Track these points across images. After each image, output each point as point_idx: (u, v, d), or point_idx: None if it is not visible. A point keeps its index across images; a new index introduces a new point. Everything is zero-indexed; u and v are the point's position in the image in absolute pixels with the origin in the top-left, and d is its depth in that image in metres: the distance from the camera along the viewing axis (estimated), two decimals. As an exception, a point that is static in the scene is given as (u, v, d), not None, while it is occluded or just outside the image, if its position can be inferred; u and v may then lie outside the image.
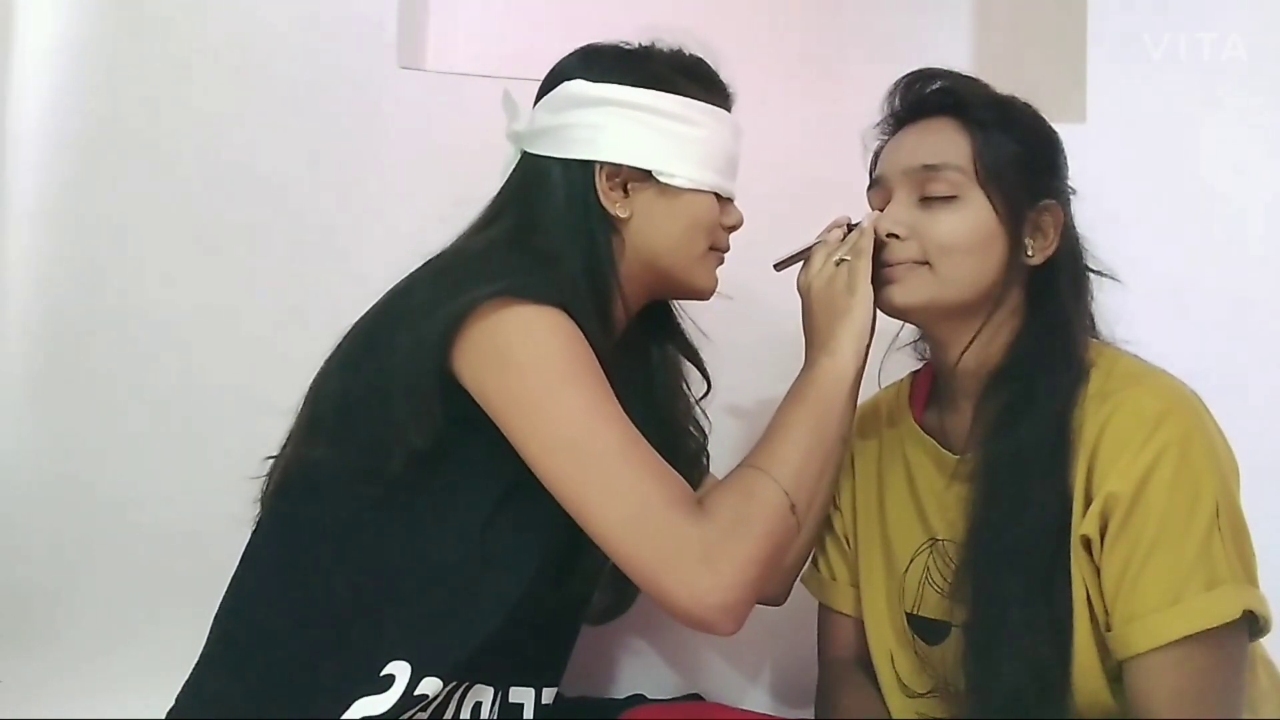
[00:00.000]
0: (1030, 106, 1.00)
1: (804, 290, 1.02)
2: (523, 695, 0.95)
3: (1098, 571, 0.87)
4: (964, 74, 1.01)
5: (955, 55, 1.54)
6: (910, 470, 1.05)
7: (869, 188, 1.04)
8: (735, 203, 1.05)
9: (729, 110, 1.04)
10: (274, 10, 1.35)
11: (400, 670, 0.84)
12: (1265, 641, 0.90)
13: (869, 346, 0.99)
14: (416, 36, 1.45)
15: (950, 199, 0.95)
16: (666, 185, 0.98)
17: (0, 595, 1.28)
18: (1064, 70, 1.45)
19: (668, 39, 1.02)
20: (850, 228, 1.01)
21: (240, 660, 0.89)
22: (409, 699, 0.83)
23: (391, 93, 1.36)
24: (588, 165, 0.97)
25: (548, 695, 0.97)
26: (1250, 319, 1.37)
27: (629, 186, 0.98)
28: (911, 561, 1.03)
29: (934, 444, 1.03)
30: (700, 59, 1.03)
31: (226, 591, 0.93)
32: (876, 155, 1.05)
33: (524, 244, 0.95)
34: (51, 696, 1.22)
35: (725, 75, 1.04)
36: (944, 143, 0.97)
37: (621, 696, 1.15)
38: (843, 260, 0.98)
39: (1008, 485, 0.91)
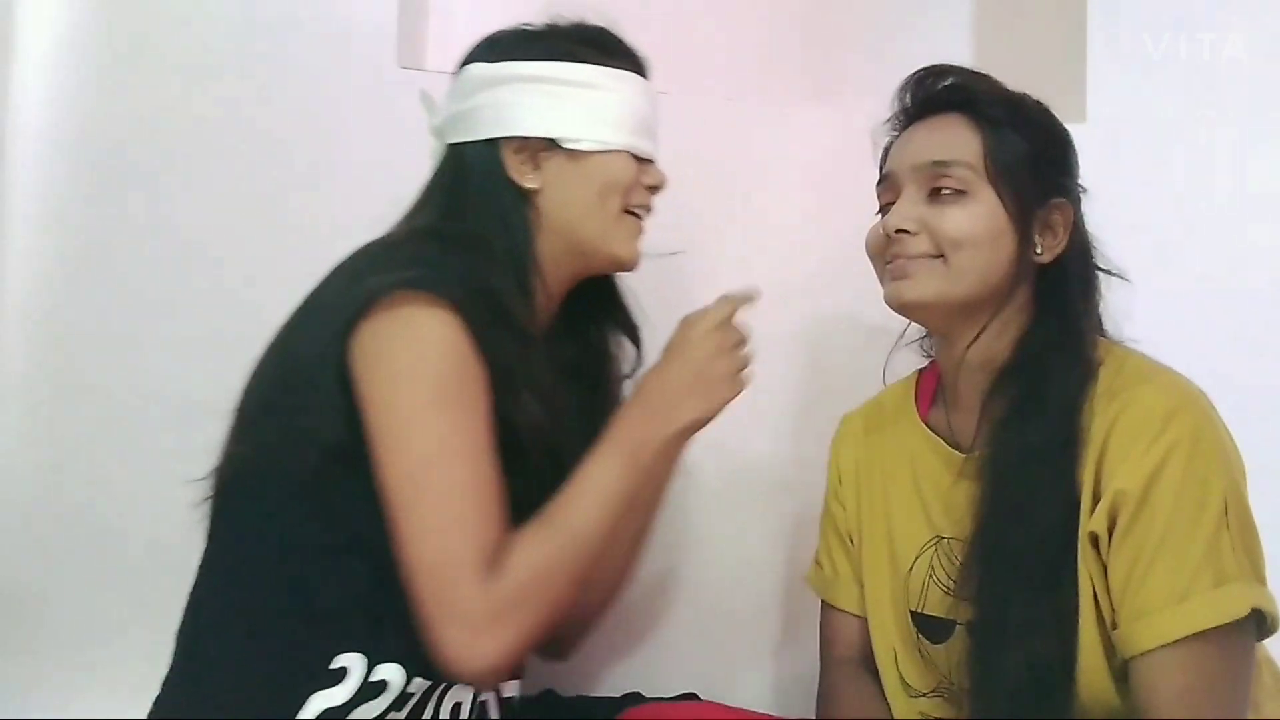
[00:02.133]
0: (1042, 105, 1.00)
1: (687, 335, 0.95)
2: (484, 692, 0.95)
3: (1104, 569, 0.87)
4: (975, 71, 1.01)
5: (955, 55, 1.53)
6: (915, 468, 1.05)
7: (878, 183, 1.03)
8: (657, 164, 1.05)
9: (643, 75, 1.04)
10: (274, 11, 1.35)
11: (353, 661, 0.85)
12: (1268, 641, 0.89)
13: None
14: (416, 36, 1.45)
15: (960, 194, 0.95)
16: (574, 150, 0.98)
17: (0, 595, 1.28)
18: (1064, 70, 1.44)
19: (569, 14, 1.03)
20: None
21: (198, 670, 0.90)
22: (368, 686, 0.84)
23: (391, 93, 1.36)
24: (495, 143, 0.98)
25: (510, 689, 0.97)
26: (1249, 318, 1.37)
27: (538, 157, 0.98)
28: (916, 559, 1.02)
29: (940, 442, 1.02)
30: (602, 28, 1.03)
31: (186, 600, 0.93)
32: (886, 151, 1.04)
33: (444, 230, 0.96)
34: (44, 697, 1.22)
35: (634, 43, 1.04)
36: (954, 139, 0.96)
37: (617, 695, 1.15)
38: (736, 345, 0.95)
39: (1015, 482, 0.91)
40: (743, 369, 0.95)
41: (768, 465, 1.46)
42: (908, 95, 1.02)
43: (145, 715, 0.92)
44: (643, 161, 1.03)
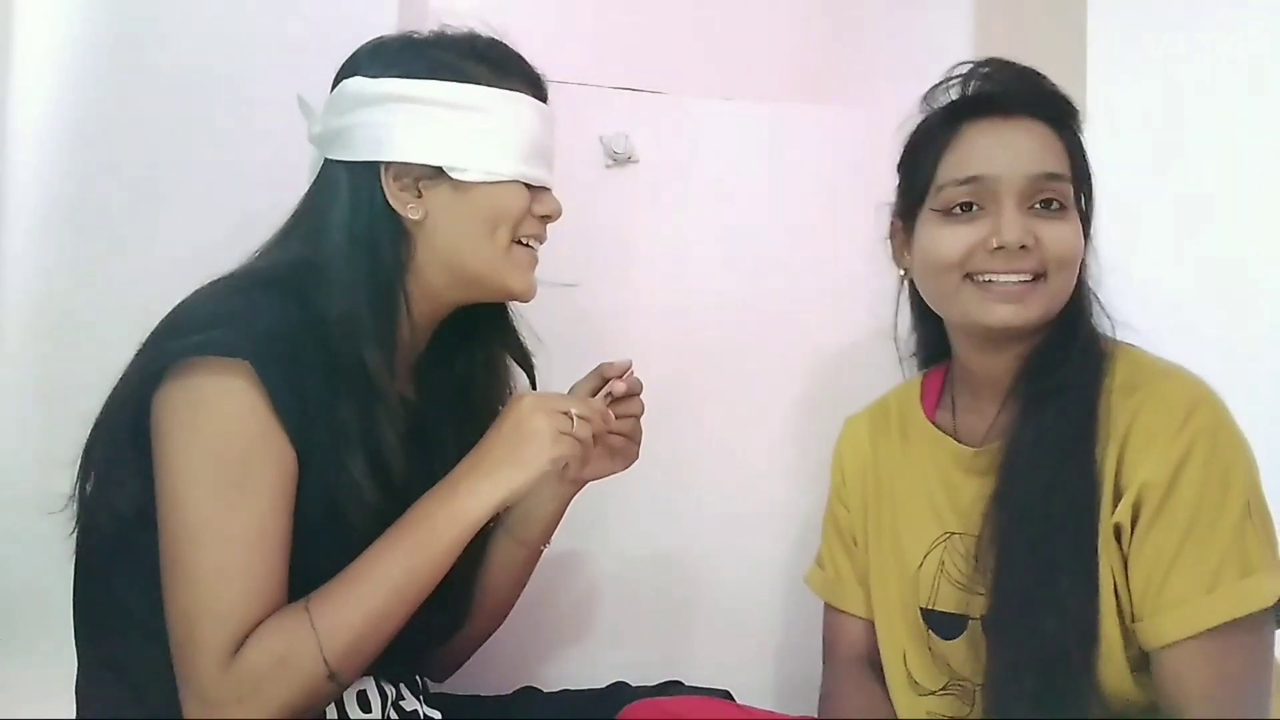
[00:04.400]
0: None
1: (513, 404, 0.91)
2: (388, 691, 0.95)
3: (1124, 561, 0.87)
4: (1038, 71, 0.98)
5: (955, 55, 1.54)
6: (923, 465, 1.04)
7: (959, 183, 0.94)
8: (554, 191, 0.99)
9: (538, 95, 0.97)
10: (273, 11, 1.35)
11: None
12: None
13: None
14: (416, 36, 1.45)
15: (1063, 210, 0.93)
16: (461, 180, 0.92)
17: (0, 596, 1.28)
18: (1064, 70, 1.44)
19: (459, 25, 0.96)
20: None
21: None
22: None
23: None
24: (374, 167, 0.92)
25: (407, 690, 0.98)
26: (1249, 317, 1.38)
27: (421, 185, 0.92)
28: (926, 556, 1.01)
29: (949, 439, 1.02)
30: (496, 41, 0.96)
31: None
32: (932, 142, 0.97)
33: (301, 266, 0.91)
34: (50, 697, 1.22)
35: (540, 67, 0.98)
36: (1053, 149, 0.94)
37: (600, 686, 1.15)
38: (576, 417, 0.90)
39: (1033, 472, 0.90)
40: (565, 430, 0.88)
41: (773, 467, 1.46)
42: (971, 86, 0.96)
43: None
44: (536, 189, 0.96)
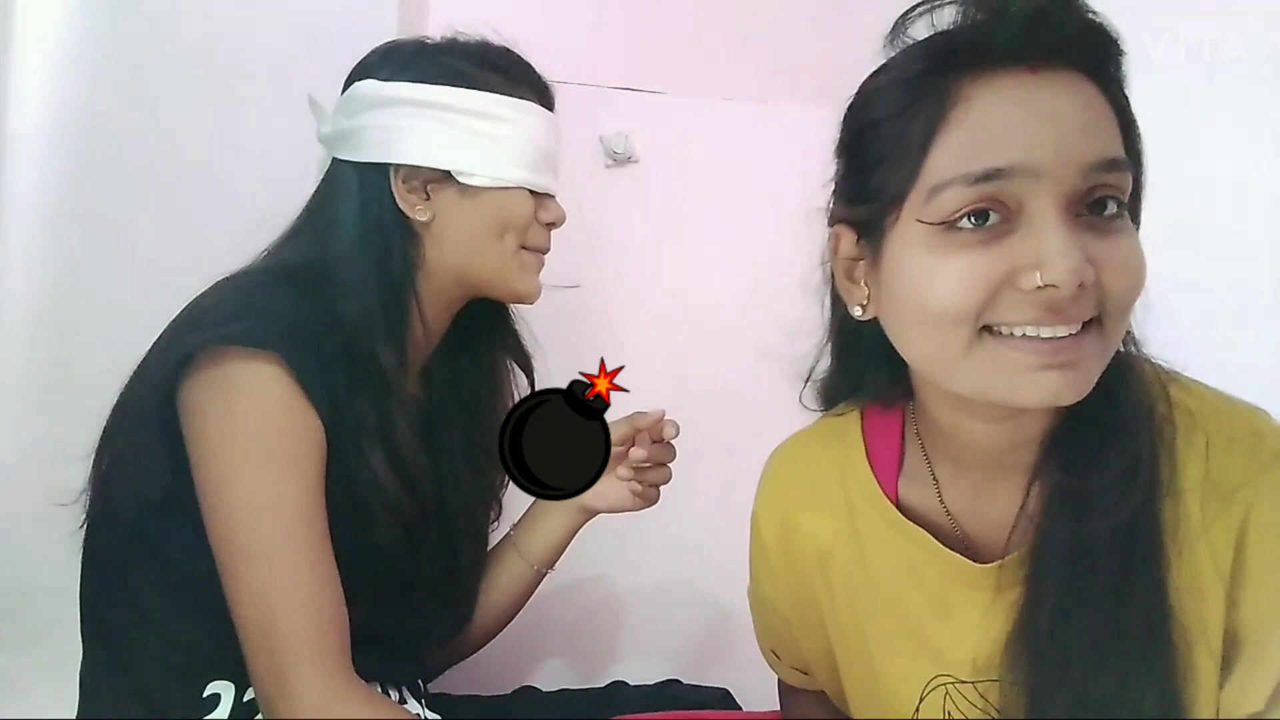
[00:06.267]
0: None
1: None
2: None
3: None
4: None
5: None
6: (892, 573, 0.74)
7: (959, 180, 0.59)
8: (557, 199, 1.00)
9: (546, 104, 0.99)
10: (273, 11, 1.36)
11: (223, 688, 0.86)
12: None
13: None
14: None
15: (1119, 213, 0.61)
16: (468, 185, 0.93)
17: (0, 595, 1.28)
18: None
19: (472, 32, 0.98)
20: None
21: (89, 695, 0.91)
22: (243, 707, 0.85)
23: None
24: (383, 168, 0.93)
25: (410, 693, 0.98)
26: (1249, 318, 1.37)
27: (429, 188, 0.94)
28: (922, 701, 0.74)
29: (935, 544, 0.71)
30: (507, 50, 0.98)
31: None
32: (926, 110, 0.61)
33: (304, 268, 0.91)
34: (52, 696, 1.22)
35: (541, 69, 1.00)
36: (1106, 119, 0.61)
37: (599, 685, 1.16)
38: None
39: (1090, 604, 0.63)
40: None
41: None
42: (974, 16, 0.61)
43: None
44: (541, 196, 0.98)
